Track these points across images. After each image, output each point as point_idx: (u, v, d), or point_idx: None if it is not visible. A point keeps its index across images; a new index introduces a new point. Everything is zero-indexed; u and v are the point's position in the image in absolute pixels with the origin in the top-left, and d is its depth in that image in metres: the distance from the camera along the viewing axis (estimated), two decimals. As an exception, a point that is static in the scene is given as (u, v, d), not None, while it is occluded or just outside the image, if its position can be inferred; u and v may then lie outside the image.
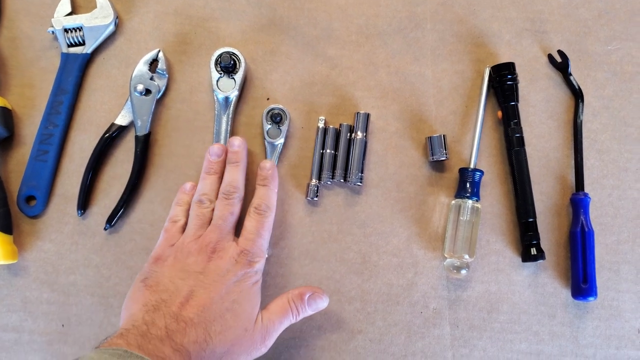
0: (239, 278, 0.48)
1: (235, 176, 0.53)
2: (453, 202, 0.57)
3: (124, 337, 0.42)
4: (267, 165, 0.55)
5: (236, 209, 0.53)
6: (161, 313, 0.45)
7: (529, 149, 0.59)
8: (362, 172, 0.58)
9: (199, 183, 0.54)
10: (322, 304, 0.52)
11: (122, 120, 0.57)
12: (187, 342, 0.43)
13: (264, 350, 0.49)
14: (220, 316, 0.46)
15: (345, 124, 0.58)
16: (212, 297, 0.46)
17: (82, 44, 0.58)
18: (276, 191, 0.55)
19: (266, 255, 0.52)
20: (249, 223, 0.52)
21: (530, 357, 0.57)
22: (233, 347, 0.46)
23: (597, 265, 0.58)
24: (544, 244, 0.58)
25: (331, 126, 0.58)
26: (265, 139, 0.57)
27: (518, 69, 0.60)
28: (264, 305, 0.51)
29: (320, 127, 0.58)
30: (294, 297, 0.51)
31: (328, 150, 0.58)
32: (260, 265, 0.50)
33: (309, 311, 0.51)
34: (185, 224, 0.53)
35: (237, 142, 0.54)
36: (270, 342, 0.49)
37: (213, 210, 0.53)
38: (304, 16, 0.61)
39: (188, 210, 0.54)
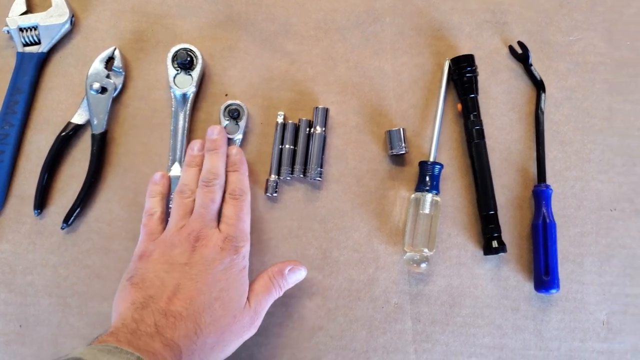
0: (225, 266, 0.49)
1: (214, 163, 0.54)
2: (413, 195, 0.59)
3: (114, 335, 0.43)
4: (234, 151, 0.56)
5: (217, 196, 0.53)
6: (149, 310, 0.46)
7: (490, 142, 0.61)
8: (321, 167, 0.59)
9: (181, 176, 0.56)
10: (301, 274, 0.55)
11: (78, 118, 0.59)
12: (177, 337, 0.44)
13: (253, 331, 0.50)
14: (209, 307, 0.47)
15: (304, 119, 0.60)
16: (200, 288, 0.47)
17: (38, 43, 0.59)
18: (247, 174, 0.56)
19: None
20: (227, 209, 0.53)
21: (493, 352, 0.58)
22: (223, 334, 0.47)
23: (560, 258, 0.59)
24: (506, 237, 0.59)
25: (290, 121, 0.60)
26: (222, 135, 0.59)
27: (478, 61, 0.61)
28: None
29: (279, 122, 0.60)
30: (275, 274, 0.53)
31: (287, 146, 0.59)
32: (245, 250, 0.51)
33: (290, 284, 0.54)
34: (162, 214, 0.55)
35: (216, 130, 0.56)
36: (259, 323, 0.51)
37: (195, 200, 0.54)
38: (261, 12, 0.62)
39: (162, 200, 0.55)
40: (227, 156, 0.56)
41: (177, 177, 0.56)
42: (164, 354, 0.42)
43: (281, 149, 0.60)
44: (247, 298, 0.50)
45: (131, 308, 0.47)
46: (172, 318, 0.45)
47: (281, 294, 0.53)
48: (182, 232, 0.51)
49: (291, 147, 0.59)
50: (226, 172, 0.55)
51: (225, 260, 0.49)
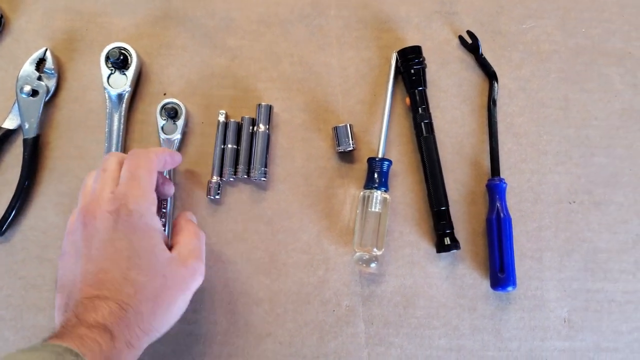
0: (121, 231, 0.46)
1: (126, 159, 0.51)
2: (361, 193, 0.58)
3: (45, 342, 0.41)
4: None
5: (111, 167, 0.49)
6: (70, 307, 0.44)
7: (442, 136, 0.60)
8: (266, 167, 0.58)
9: None
10: (195, 218, 0.55)
11: (9, 123, 0.58)
12: (101, 317, 0.42)
13: (200, 277, 0.49)
14: (124, 279, 0.44)
15: (247, 117, 0.59)
16: (102, 266, 0.45)
17: (-34, 45, 0.58)
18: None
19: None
20: (122, 172, 0.49)
21: (450, 353, 0.57)
22: (160, 297, 0.45)
23: (518, 254, 0.59)
24: (461, 234, 0.59)
25: (232, 120, 0.59)
26: (160, 135, 0.58)
27: (428, 53, 0.61)
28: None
29: (221, 121, 0.59)
30: (188, 220, 0.52)
31: (229, 145, 0.58)
32: (143, 208, 0.47)
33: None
34: None
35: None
36: (201, 267, 0.49)
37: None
38: (200, 7, 0.62)
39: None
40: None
41: None
42: (91, 336, 0.41)
43: (223, 148, 0.59)
44: (178, 251, 0.48)
45: (58, 314, 0.46)
46: (90, 304, 0.43)
47: (204, 235, 0.52)
48: (77, 214, 0.48)
49: (234, 146, 0.58)
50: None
51: (119, 224, 0.46)
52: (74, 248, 0.48)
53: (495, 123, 0.60)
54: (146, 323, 0.45)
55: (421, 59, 0.59)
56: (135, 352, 0.44)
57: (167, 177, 0.57)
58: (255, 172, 0.58)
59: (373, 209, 0.57)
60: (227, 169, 0.58)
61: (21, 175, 0.57)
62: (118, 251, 0.45)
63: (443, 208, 0.58)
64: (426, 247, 0.59)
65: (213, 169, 0.58)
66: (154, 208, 0.48)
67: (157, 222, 0.48)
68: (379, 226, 0.57)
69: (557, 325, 0.58)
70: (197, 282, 0.49)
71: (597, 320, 0.58)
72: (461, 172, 0.60)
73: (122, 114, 0.58)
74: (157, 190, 0.51)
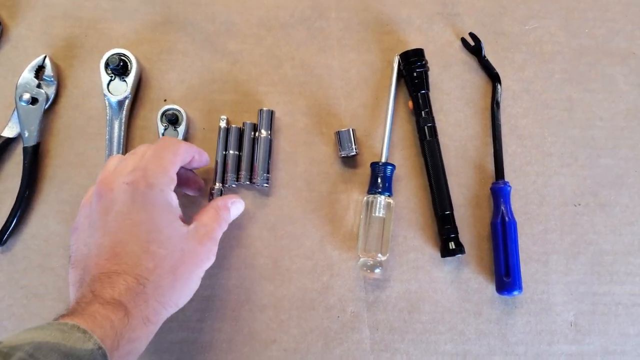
0: (139, 203, 0.45)
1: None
2: (365, 198, 0.58)
3: (56, 319, 0.41)
4: None
5: (139, 151, 0.49)
6: (86, 282, 0.44)
7: (445, 139, 0.60)
8: (268, 173, 0.58)
9: None
10: (242, 207, 0.55)
11: (9, 132, 0.58)
12: (117, 293, 0.42)
13: (212, 258, 0.49)
14: (144, 252, 0.44)
15: (248, 122, 0.59)
16: (119, 239, 0.44)
17: (-36, 53, 0.58)
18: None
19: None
20: (147, 152, 0.48)
21: (456, 359, 0.57)
22: (178, 270, 0.45)
23: (524, 257, 0.58)
24: (466, 238, 0.58)
25: (234, 125, 0.58)
26: (160, 142, 0.57)
27: (430, 56, 0.60)
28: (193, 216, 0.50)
29: (222, 126, 0.58)
30: (221, 207, 0.51)
31: (231, 151, 0.58)
32: (163, 184, 0.46)
33: (232, 218, 0.53)
34: None
35: None
36: (214, 249, 0.49)
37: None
38: (200, 11, 0.61)
39: None
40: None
41: None
42: (103, 312, 0.40)
43: (225, 154, 0.58)
44: (196, 228, 0.48)
45: (73, 290, 0.45)
46: (106, 279, 0.43)
47: (226, 227, 0.52)
48: (94, 188, 0.48)
49: (236, 152, 0.58)
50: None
51: (137, 196, 0.45)
52: (87, 221, 0.47)
53: (499, 125, 0.60)
54: (166, 297, 0.45)
55: (424, 62, 0.59)
56: (152, 327, 0.44)
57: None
58: (258, 178, 0.58)
59: (377, 214, 0.56)
60: (230, 175, 0.58)
61: (22, 184, 0.57)
62: (137, 224, 0.45)
63: (447, 212, 0.57)
64: (431, 251, 0.59)
65: (215, 175, 0.58)
66: (173, 186, 0.48)
67: (175, 199, 0.48)
68: (383, 231, 0.56)
69: (564, 329, 0.58)
70: (209, 261, 0.49)
71: (604, 323, 0.58)
72: (465, 175, 0.60)
73: (123, 120, 0.57)
74: (182, 184, 0.52)
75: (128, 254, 0.44)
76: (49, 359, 0.35)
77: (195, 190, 0.57)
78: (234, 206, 0.53)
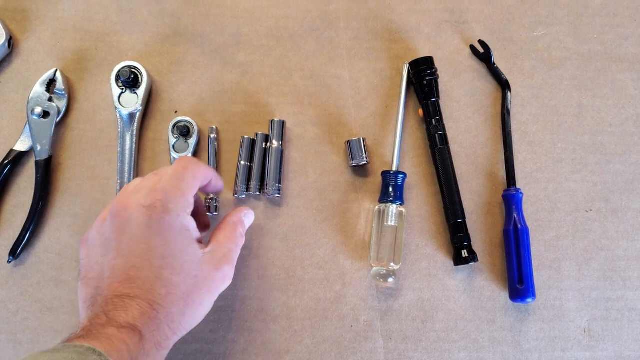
0: (156, 227, 0.45)
1: None
2: (376, 207, 0.58)
3: (69, 340, 0.41)
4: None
5: (158, 175, 0.49)
6: (98, 303, 0.44)
7: (456, 147, 0.61)
8: (279, 183, 0.59)
9: None
10: (253, 217, 0.55)
11: (21, 145, 0.58)
12: (132, 318, 0.42)
13: (228, 282, 0.49)
14: (157, 279, 0.44)
15: (260, 133, 0.59)
16: (133, 263, 0.44)
17: (-24, 68, 0.59)
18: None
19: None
20: (166, 171, 0.49)
21: (470, 367, 0.58)
22: (190, 297, 0.45)
23: (536, 264, 0.59)
24: (478, 245, 0.59)
25: (246, 137, 0.59)
26: (171, 153, 0.58)
27: (439, 63, 0.61)
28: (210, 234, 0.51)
29: (212, 137, 0.59)
30: (236, 222, 0.51)
31: (242, 162, 0.59)
32: (179, 208, 0.46)
33: (246, 229, 0.53)
34: None
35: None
36: (231, 272, 0.49)
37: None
38: (210, 23, 0.62)
39: None
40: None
41: None
42: (119, 336, 0.41)
43: (239, 165, 0.59)
44: (212, 252, 0.48)
45: (84, 307, 0.45)
46: (120, 302, 0.43)
47: (243, 243, 0.52)
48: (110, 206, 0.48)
49: (246, 163, 0.59)
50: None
51: (153, 221, 0.45)
52: (101, 239, 0.47)
53: (510, 132, 0.61)
54: (176, 323, 0.45)
55: (433, 70, 0.60)
56: (163, 352, 0.45)
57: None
58: (270, 189, 0.58)
59: (389, 223, 0.57)
60: (240, 186, 0.59)
61: (34, 198, 0.58)
62: (151, 249, 0.45)
63: (460, 220, 0.58)
64: (443, 259, 0.59)
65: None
66: (190, 210, 0.48)
67: (192, 223, 0.48)
68: (396, 240, 0.57)
69: (578, 335, 0.59)
70: (225, 285, 0.49)
71: (618, 329, 0.59)
72: (476, 182, 0.61)
73: (134, 133, 0.58)
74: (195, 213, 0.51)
75: (141, 279, 0.44)
76: None
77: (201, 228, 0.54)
78: (247, 218, 0.53)
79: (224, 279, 0.48)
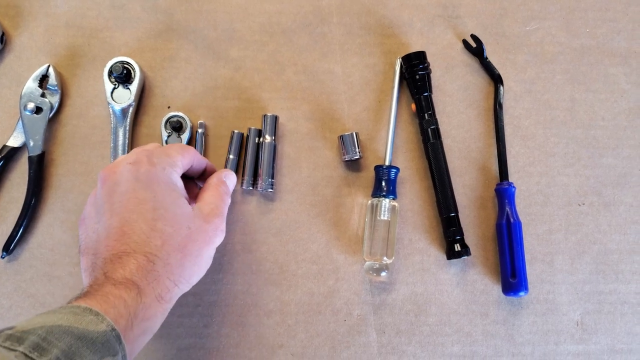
0: (144, 180, 0.46)
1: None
2: (369, 202, 0.59)
3: (69, 302, 0.41)
4: None
5: (151, 146, 0.51)
6: (97, 265, 0.44)
7: (449, 141, 0.61)
8: (272, 178, 0.59)
9: None
10: (235, 178, 0.56)
11: (14, 141, 0.59)
12: (129, 273, 0.43)
13: (221, 234, 0.50)
14: (151, 230, 0.44)
15: (253, 128, 0.60)
16: (126, 219, 0.45)
17: (-32, 64, 0.59)
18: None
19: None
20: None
21: (463, 360, 0.58)
22: (186, 247, 0.46)
23: (529, 258, 0.59)
24: (471, 239, 0.59)
25: (236, 131, 0.60)
26: (165, 149, 0.59)
27: (432, 58, 0.62)
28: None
29: (199, 132, 0.59)
30: (219, 183, 0.52)
31: (231, 156, 0.59)
32: (165, 163, 0.48)
33: (230, 190, 0.54)
34: None
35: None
36: (223, 225, 0.50)
37: None
38: (202, 18, 0.63)
39: None
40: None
41: None
42: (116, 292, 0.41)
43: (227, 159, 0.60)
44: (200, 207, 0.49)
45: (85, 275, 0.46)
46: (117, 259, 0.43)
47: (229, 201, 0.53)
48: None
49: (235, 157, 0.59)
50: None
51: (140, 174, 0.46)
52: (94, 209, 0.48)
53: (502, 127, 0.61)
54: (176, 275, 0.45)
55: (426, 64, 0.60)
56: (165, 305, 0.45)
57: None
58: (263, 183, 0.59)
59: (382, 217, 0.58)
60: (234, 181, 0.59)
61: (27, 193, 0.58)
62: (142, 202, 0.45)
63: (452, 214, 0.59)
64: (436, 253, 0.60)
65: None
66: (177, 170, 0.49)
67: (179, 181, 0.49)
68: (389, 234, 0.58)
69: (571, 328, 0.59)
70: (219, 237, 0.49)
71: (611, 322, 0.59)
72: (469, 177, 0.61)
73: (127, 128, 0.59)
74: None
75: (136, 233, 0.44)
76: (61, 342, 0.35)
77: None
78: (228, 179, 0.54)
79: (217, 231, 0.49)
